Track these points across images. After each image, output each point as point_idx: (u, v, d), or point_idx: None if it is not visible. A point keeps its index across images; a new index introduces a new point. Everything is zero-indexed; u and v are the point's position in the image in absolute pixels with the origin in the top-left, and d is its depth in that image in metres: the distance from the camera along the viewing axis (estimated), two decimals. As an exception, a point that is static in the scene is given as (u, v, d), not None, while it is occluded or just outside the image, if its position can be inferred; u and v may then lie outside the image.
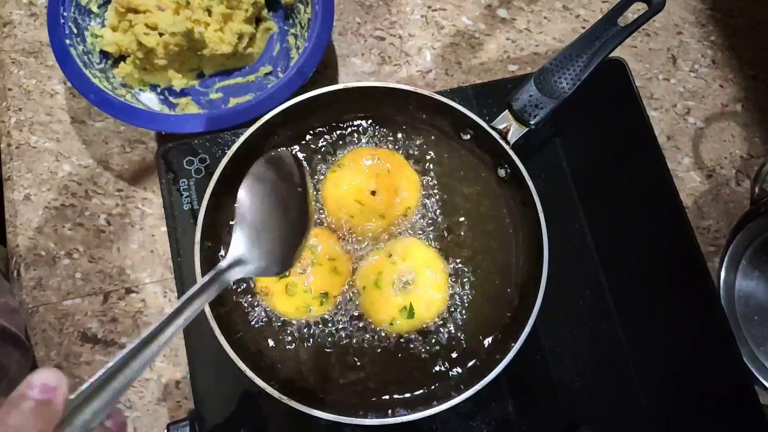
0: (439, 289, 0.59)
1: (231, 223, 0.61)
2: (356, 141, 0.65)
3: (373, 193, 0.61)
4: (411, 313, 0.57)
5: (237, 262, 0.42)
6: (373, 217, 0.61)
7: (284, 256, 0.44)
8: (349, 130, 0.65)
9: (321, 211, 0.62)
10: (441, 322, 0.60)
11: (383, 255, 0.59)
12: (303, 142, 0.64)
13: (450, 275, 0.61)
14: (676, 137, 0.77)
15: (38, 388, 0.29)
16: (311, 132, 0.65)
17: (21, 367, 0.58)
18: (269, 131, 0.61)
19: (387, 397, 0.58)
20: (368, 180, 0.61)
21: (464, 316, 0.60)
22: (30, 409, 0.28)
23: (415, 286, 0.58)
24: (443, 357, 0.59)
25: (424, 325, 0.59)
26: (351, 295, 0.60)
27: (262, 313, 0.59)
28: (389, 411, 0.55)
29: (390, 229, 0.62)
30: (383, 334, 0.59)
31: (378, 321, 0.59)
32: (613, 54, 0.62)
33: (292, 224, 0.45)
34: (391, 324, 0.58)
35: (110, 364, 0.32)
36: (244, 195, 0.45)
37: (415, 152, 0.65)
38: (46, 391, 0.29)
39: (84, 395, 0.31)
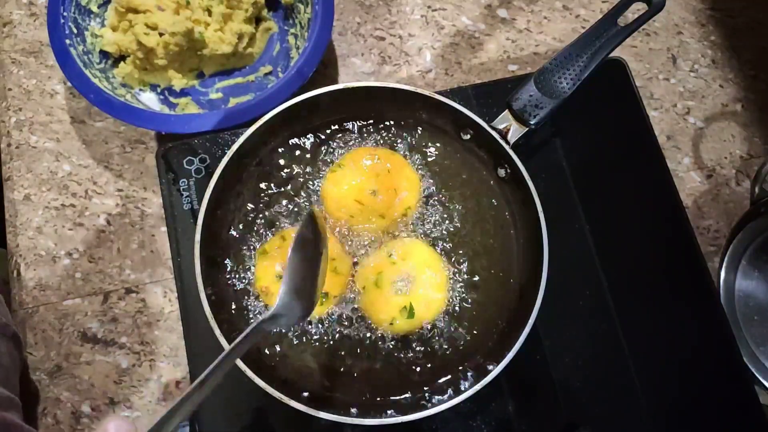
0: (439, 289, 0.59)
1: (231, 222, 0.61)
2: (356, 141, 0.65)
3: (374, 193, 0.61)
4: (411, 312, 0.57)
5: (274, 317, 0.47)
6: (373, 217, 0.61)
7: (308, 306, 0.50)
8: (349, 130, 0.65)
9: (321, 210, 0.62)
10: (441, 322, 0.60)
11: (383, 255, 0.59)
12: (303, 142, 0.64)
13: (450, 275, 0.61)
14: (676, 137, 0.77)
15: None
16: (311, 132, 0.65)
17: (12, 356, 0.58)
18: (269, 131, 0.62)
19: (387, 397, 0.58)
20: (368, 180, 0.61)
21: (464, 316, 0.60)
22: None
23: (415, 286, 0.58)
24: (443, 357, 0.59)
25: (424, 325, 0.59)
26: (351, 295, 0.60)
27: (263, 313, 0.59)
28: (389, 411, 0.55)
29: (390, 229, 0.62)
30: (383, 334, 0.59)
31: (378, 321, 0.59)
32: (613, 54, 0.62)
33: (313, 278, 0.50)
34: (391, 324, 0.58)
35: (168, 408, 0.37)
36: (290, 255, 0.49)
37: (415, 152, 0.65)
38: None
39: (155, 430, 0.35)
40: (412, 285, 0.58)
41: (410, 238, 0.62)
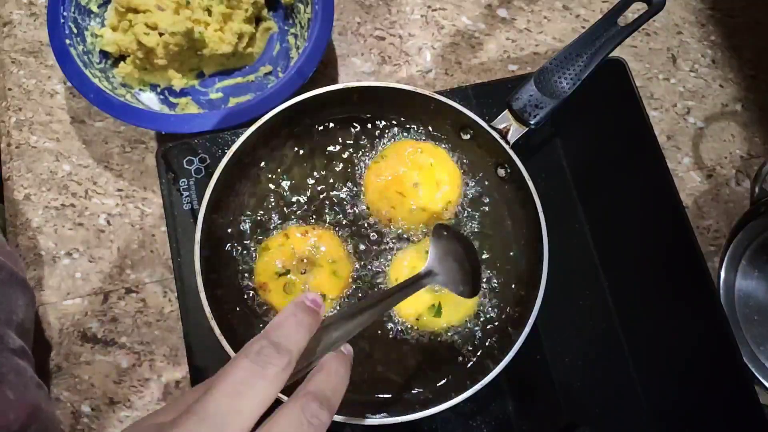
0: None
1: (231, 222, 0.61)
2: (356, 141, 0.65)
3: (415, 185, 0.61)
4: (438, 312, 0.57)
5: (429, 273, 0.52)
6: (414, 210, 0.61)
7: (465, 284, 0.53)
8: (349, 129, 0.65)
9: (360, 201, 0.63)
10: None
11: (420, 250, 0.59)
12: (302, 141, 0.64)
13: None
14: (676, 137, 0.77)
15: (311, 301, 0.40)
16: (311, 132, 0.65)
17: (28, 309, 0.59)
18: (269, 131, 0.61)
19: (387, 396, 0.58)
20: (410, 172, 0.61)
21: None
22: (306, 308, 0.39)
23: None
24: (443, 357, 0.59)
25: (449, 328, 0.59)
26: (349, 298, 0.60)
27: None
28: (389, 411, 0.55)
29: (430, 223, 0.62)
30: (382, 335, 0.59)
31: (405, 314, 0.59)
32: (613, 54, 0.62)
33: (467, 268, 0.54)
34: (417, 319, 0.58)
35: (347, 309, 0.42)
36: (437, 234, 0.54)
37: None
38: (316, 304, 0.40)
39: (329, 322, 0.41)
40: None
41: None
